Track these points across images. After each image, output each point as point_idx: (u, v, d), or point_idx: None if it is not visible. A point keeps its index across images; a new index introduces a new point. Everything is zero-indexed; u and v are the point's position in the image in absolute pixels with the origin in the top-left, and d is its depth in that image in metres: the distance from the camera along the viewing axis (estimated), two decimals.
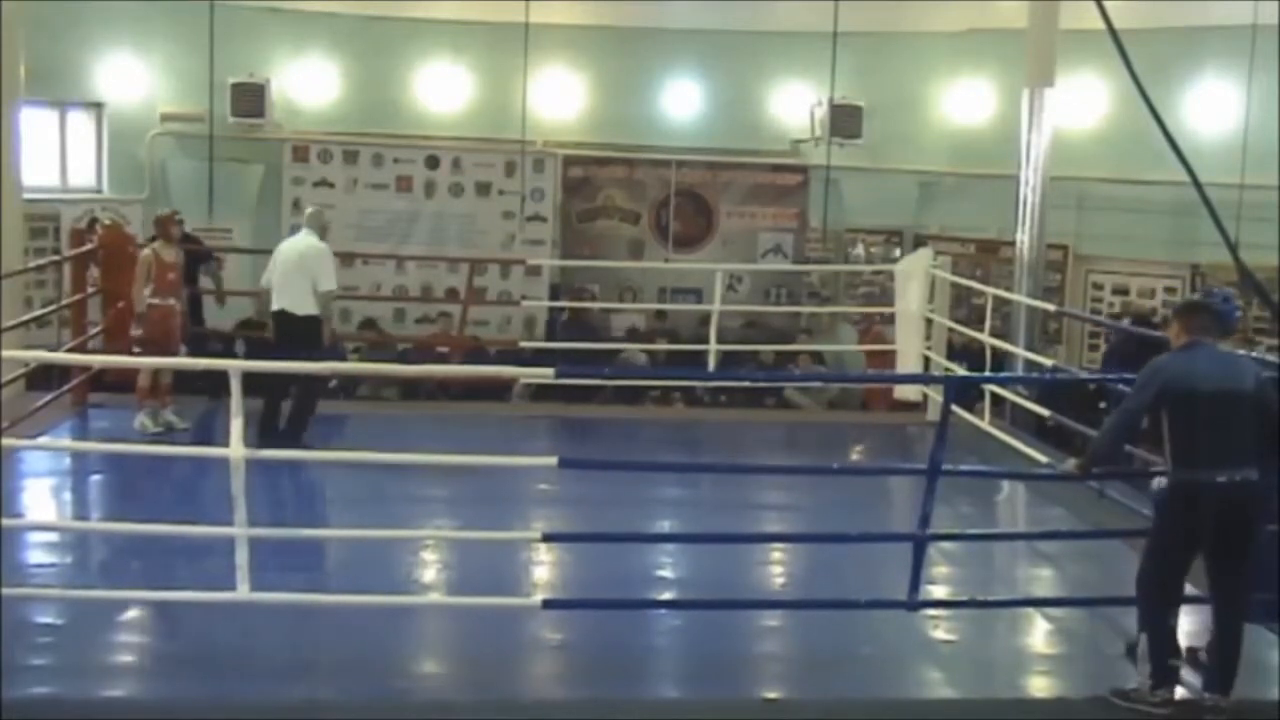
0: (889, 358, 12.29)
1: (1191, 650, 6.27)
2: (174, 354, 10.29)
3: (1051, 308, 12.71)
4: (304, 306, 10.14)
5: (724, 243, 15.93)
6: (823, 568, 7.72)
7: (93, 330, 11.21)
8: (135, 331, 10.35)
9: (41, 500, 9.00)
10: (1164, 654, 5.99)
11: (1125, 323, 12.82)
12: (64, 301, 11.38)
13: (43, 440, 9.76)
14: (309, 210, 11.02)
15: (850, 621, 6.84)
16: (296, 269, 10.23)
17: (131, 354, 10.14)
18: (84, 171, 15.16)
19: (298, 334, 10.11)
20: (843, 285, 16.29)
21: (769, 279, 15.96)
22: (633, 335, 15.15)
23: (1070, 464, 6.71)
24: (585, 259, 15.60)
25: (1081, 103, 14.30)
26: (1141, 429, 6.31)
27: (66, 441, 10.29)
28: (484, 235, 15.58)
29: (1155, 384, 6.02)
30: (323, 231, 10.51)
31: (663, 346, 14.28)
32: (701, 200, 15.98)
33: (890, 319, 12.69)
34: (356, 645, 6.45)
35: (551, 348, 12.98)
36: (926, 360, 11.78)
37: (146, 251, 10.57)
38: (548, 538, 7.18)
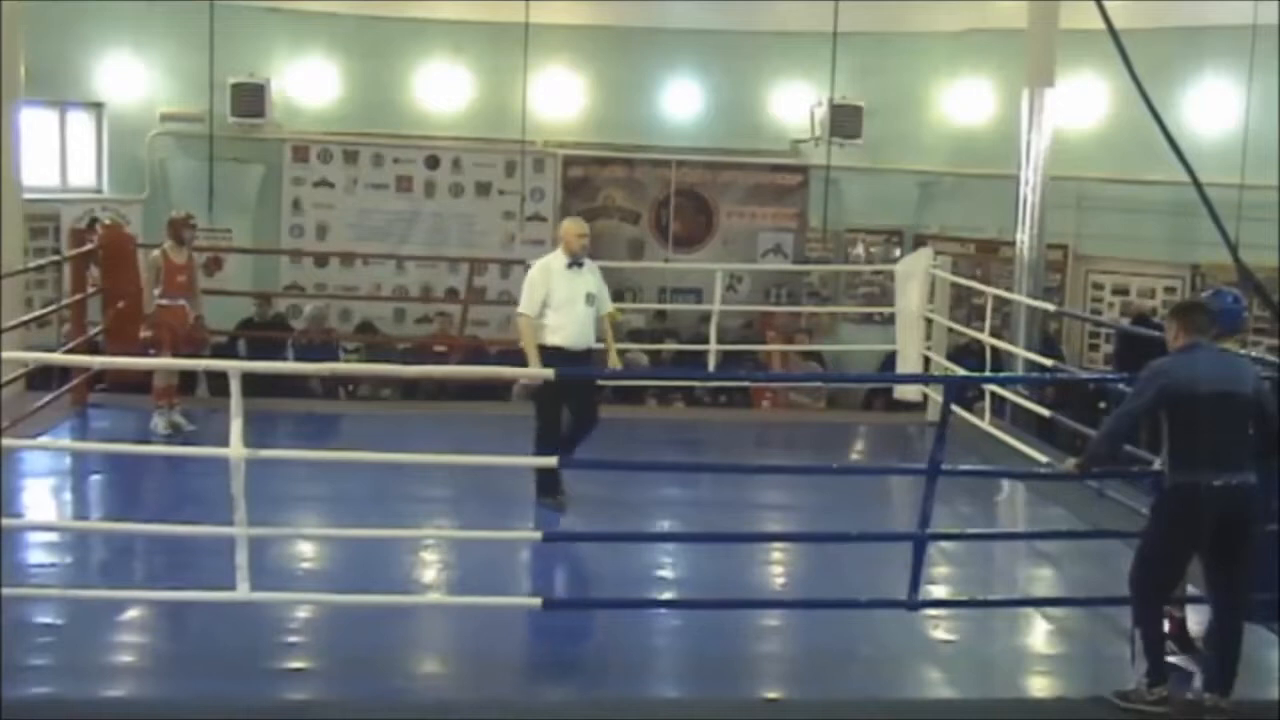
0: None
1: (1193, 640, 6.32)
2: (184, 355, 10.27)
3: (1051, 307, 12.72)
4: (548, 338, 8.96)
5: (724, 243, 15.94)
6: (823, 568, 7.73)
7: (93, 330, 11.21)
8: (145, 333, 10.35)
9: (41, 500, 9.00)
10: (1159, 651, 6.00)
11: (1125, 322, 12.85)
12: (64, 301, 11.38)
13: (43, 440, 9.76)
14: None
15: (850, 621, 6.84)
16: None
17: (139, 354, 10.14)
18: (84, 171, 15.15)
19: None
20: (843, 285, 16.28)
21: (769, 279, 15.97)
22: (633, 335, 15.14)
23: (1069, 464, 6.71)
24: None
25: (1081, 103, 14.28)
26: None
27: (66, 441, 10.29)
28: (484, 235, 15.60)
29: (1155, 386, 6.01)
30: (562, 244, 8.98)
31: (664, 346, 14.29)
32: (701, 200, 15.99)
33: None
34: (356, 645, 6.45)
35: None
36: (926, 360, 11.78)
37: (155, 253, 10.57)
38: (548, 537, 7.19)
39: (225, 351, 13.24)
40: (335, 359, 13.52)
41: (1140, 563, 6.10)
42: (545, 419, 8.67)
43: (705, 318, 13.12)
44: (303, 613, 6.82)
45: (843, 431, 12.44)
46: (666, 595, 7.44)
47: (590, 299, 8.84)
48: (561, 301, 8.73)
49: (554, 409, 8.70)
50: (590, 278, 8.94)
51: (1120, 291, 15.15)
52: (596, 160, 15.89)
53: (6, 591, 6.17)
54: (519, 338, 8.89)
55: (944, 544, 7.85)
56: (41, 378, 11.10)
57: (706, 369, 12.28)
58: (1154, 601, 6.04)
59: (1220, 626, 6.02)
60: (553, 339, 8.71)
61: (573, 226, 9.01)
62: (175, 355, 10.12)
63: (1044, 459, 9.71)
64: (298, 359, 12.82)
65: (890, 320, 12.60)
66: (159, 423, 10.41)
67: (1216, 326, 6.26)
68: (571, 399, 8.74)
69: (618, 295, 15.25)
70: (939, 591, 7.43)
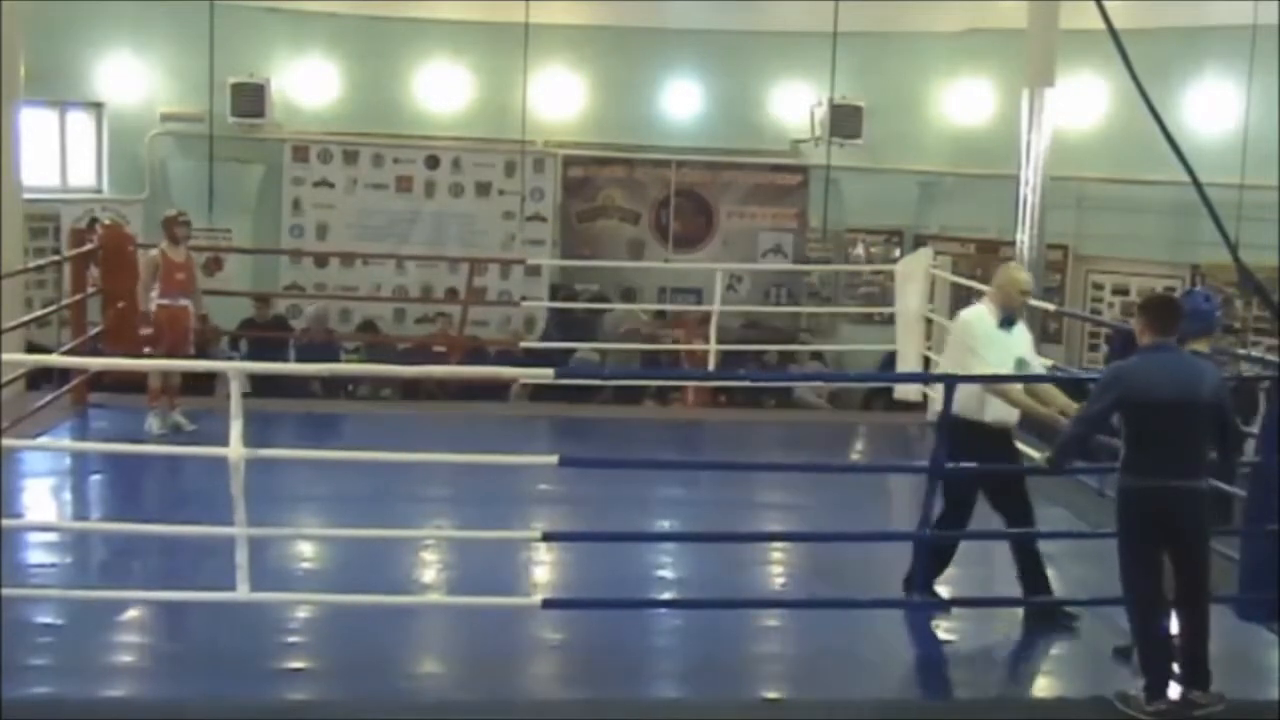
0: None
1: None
2: (184, 355, 10.26)
3: (1051, 307, 12.72)
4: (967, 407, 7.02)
5: (724, 243, 15.95)
6: (823, 568, 7.72)
7: (93, 330, 11.21)
8: (144, 332, 10.35)
9: (41, 500, 9.00)
10: (1155, 664, 5.97)
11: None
12: (64, 301, 11.37)
13: (43, 440, 9.77)
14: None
15: (850, 621, 6.84)
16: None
17: (139, 355, 10.13)
18: (84, 171, 15.17)
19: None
20: (843, 285, 16.29)
21: (769, 279, 15.98)
22: (631, 335, 15.13)
23: (1040, 459, 6.65)
24: (585, 259, 15.61)
25: (1081, 103, 14.29)
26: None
27: (66, 441, 10.29)
28: (484, 235, 15.60)
29: (1113, 392, 6.03)
30: (996, 294, 7.22)
31: (664, 347, 14.27)
32: (701, 200, 15.99)
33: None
34: (356, 645, 6.45)
35: (552, 348, 12.98)
36: (926, 360, 11.78)
37: (153, 253, 10.57)
38: (548, 537, 7.19)
39: (226, 352, 13.26)
40: (337, 359, 13.52)
41: (1121, 574, 6.10)
42: (954, 506, 7.03)
43: (705, 318, 13.12)
44: (303, 613, 6.82)
45: (843, 431, 12.44)
46: (666, 595, 7.44)
47: (1021, 366, 7.09)
48: (983, 369, 6.98)
49: (968, 496, 7.08)
50: (1023, 341, 7.24)
51: (1120, 291, 15.16)
52: (596, 160, 15.90)
53: (6, 591, 6.17)
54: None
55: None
56: (41, 378, 11.09)
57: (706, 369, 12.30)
58: (1144, 612, 6.02)
59: (1188, 626, 6.02)
60: (982, 413, 6.97)
61: (1020, 277, 7.26)
62: (176, 355, 10.13)
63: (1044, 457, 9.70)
64: (299, 359, 12.83)
65: (890, 320, 12.59)
66: (153, 424, 10.38)
67: (1186, 327, 6.25)
68: (994, 490, 7.08)
69: (619, 295, 15.60)
70: (939, 591, 7.41)
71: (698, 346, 12.94)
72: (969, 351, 7.03)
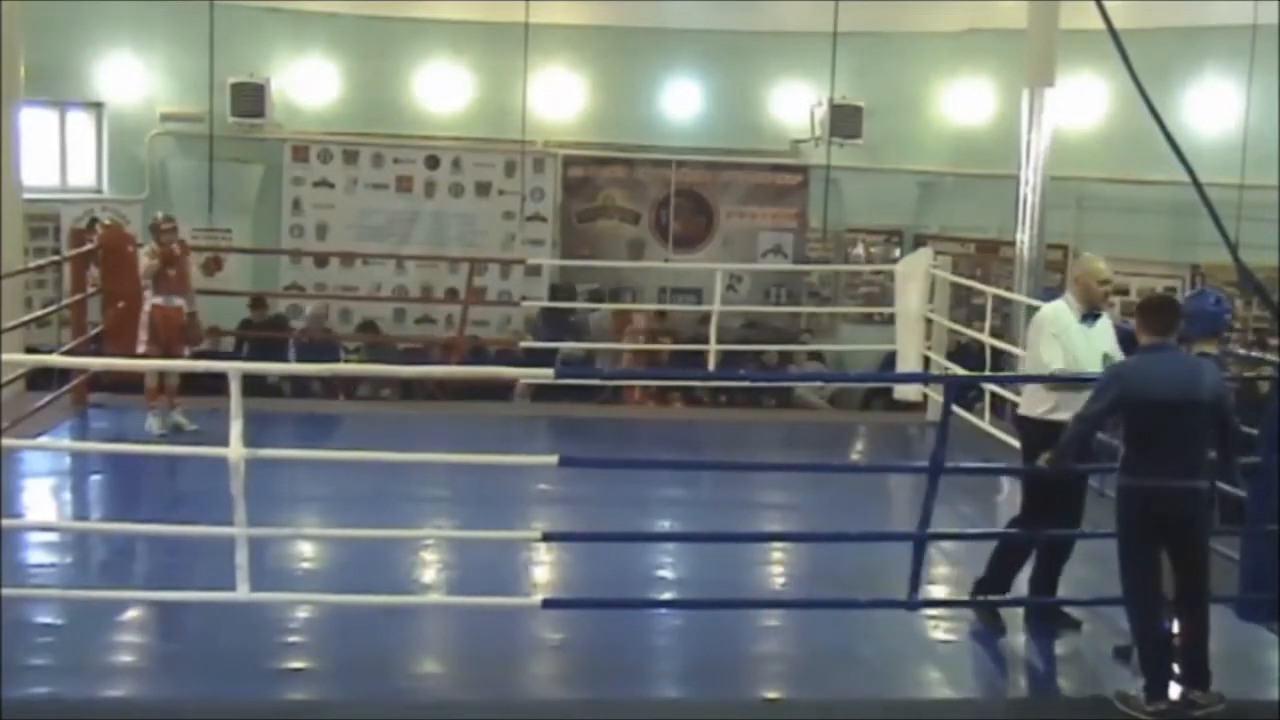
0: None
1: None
2: (179, 355, 10.27)
3: None
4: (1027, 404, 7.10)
5: (724, 243, 15.95)
6: (823, 568, 7.72)
7: (93, 330, 11.21)
8: (142, 334, 10.35)
9: (41, 500, 9.00)
10: (1155, 664, 5.97)
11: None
12: (64, 301, 11.37)
13: (43, 440, 9.77)
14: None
15: (850, 621, 6.84)
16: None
17: (135, 355, 10.13)
18: (84, 171, 15.16)
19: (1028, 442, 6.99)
20: (843, 285, 16.29)
21: (769, 279, 15.98)
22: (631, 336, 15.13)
23: (1043, 459, 6.64)
24: (585, 259, 15.61)
25: (1081, 103, 14.29)
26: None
27: (66, 441, 10.30)
28: (484, 235, 15.60)
29: (1111, 392, 6.05)
30: (1074, 289, 7.10)
31: (663, 346, 14.28)
32: (701, 200, 15.99)
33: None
34: (356, 645, 6.46)
35: (552, 347, 12.98)
36: (926, 360, 11.78)
37: (144, 254, 10.56)
38: (548, 537, 7.18)
39: (225, 352, 13.24)
40: (337, 358, 13.51)
41: (1122, 576, 6.10)
42: (1034, 514, 6.91)
43: (705, 318, 13.13)
44: (303, 613, 6.82)
45: (843, 431, 12.45)
46: (666, 595, 7.44)
47: (1106, 362, 6.70)
48: (1072, 365, 6.77)
49: (1050, 503, 6.85)
50: (1107, 336, 6.97)
51: (1120, 291, 15.12)
52: (596, 160, 15.90)
53: (6, 591, 6.17)
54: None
55: (944, 544, 7.85)
56: (41, 378, 11.09)
57: (706, 369, 12.30)
58: (1143, 612, 6.02)
59: (1188, 626, 6.03)
60: (1056, 412, 6.71)
61: (1097, 266, 7.02)
62: (171, 355, 10.13)
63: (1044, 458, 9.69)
64: (299, 359, 12.83)
65: (890, 320, 12.59)
66: (153, 424, 10.39)
67: (1189, 328, 6.24)
68: (1062, 493, 6.85)
69: (616, 295, 15.60)
70: (939, 591, 7.42)
71: (697, 347, 12.93)
72: (1052, 337, 6.83)
